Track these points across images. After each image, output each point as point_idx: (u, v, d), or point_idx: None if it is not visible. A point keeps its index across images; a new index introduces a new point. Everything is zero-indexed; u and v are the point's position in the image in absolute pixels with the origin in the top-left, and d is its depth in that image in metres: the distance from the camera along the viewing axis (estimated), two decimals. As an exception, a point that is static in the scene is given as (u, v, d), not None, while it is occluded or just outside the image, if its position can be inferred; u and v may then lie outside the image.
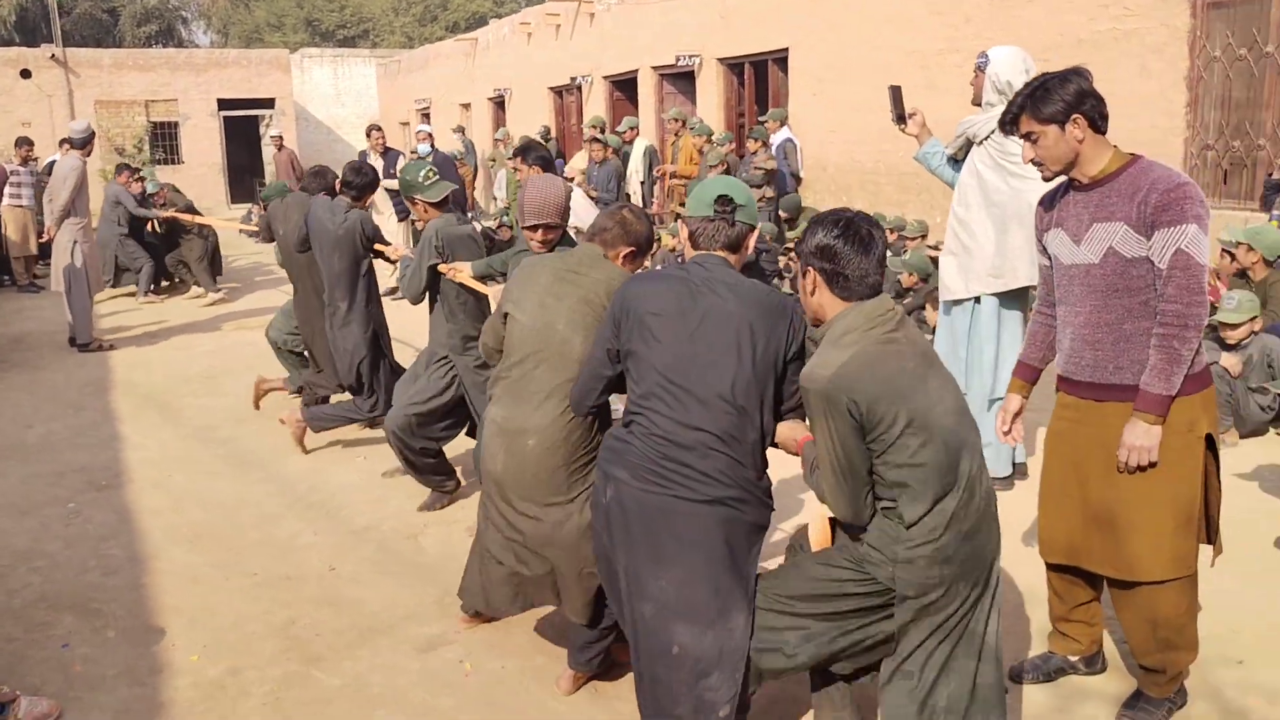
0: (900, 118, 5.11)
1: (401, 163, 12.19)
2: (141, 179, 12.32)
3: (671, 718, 2.81)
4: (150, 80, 24.40)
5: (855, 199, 11.01)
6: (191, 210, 12.44)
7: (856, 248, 2.64)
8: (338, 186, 6.04)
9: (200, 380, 8.15)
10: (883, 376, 2.56)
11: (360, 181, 5.84)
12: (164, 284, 12.51)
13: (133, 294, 12.24)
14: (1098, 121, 3.03)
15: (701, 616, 2.76)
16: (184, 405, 7.45)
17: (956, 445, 2.61)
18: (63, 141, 9.49)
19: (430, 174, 4.98)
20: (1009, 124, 3.17)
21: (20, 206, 12.28)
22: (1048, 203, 3.27)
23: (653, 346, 2.86)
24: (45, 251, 10.29)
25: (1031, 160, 3.15)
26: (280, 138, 18.32)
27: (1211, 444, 3.07)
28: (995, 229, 4.86)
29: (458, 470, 5.39)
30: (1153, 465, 2.98)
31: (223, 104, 25.03)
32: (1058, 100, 3.01)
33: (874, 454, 2.60)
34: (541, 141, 9.88)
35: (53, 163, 11.91)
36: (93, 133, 9.24)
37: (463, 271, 4.75)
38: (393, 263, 6.36)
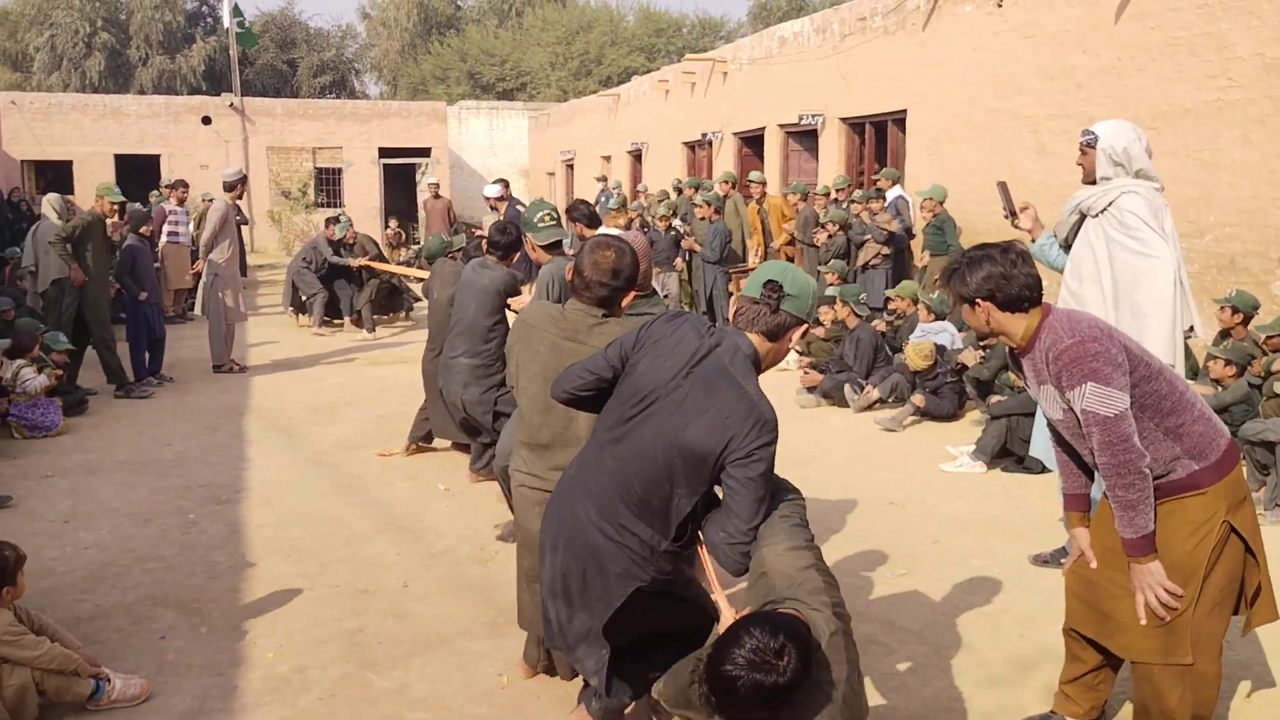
0: (1012, 213, 5.01)
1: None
2: (335, 221, 13.19)
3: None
4: (318, 129, 26.11)
5: (968, 259, 11.05)
6: (381, 258, 13.27)
7: None
8: (484, 246, 6.43)
9: (325, 409, 8.82)
10: None
11: (505, 241, 6.16)
12: (335, 320, 13.30)
13: (304, 325, 13.22)
14: (1007, 304, 3.15)
15: (572, 602, 3.10)
16: (306, 431, 8.11)
17: None
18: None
19: (546, 217, 5.26)
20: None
21: (178, 244, 13.47)
22: (1016, 363, 3.41)
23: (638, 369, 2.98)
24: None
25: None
26: (437, 185, 19.19)
27: (1234, 528, 3.14)
28: (1109, 303, 4.71)
29: None
30: (1174, 594, 3.08)
31: (383, 152, 26.55)
32: (968, 285, 3.20)
33: None
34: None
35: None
36: (241, 178, 10.19)
37: None
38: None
